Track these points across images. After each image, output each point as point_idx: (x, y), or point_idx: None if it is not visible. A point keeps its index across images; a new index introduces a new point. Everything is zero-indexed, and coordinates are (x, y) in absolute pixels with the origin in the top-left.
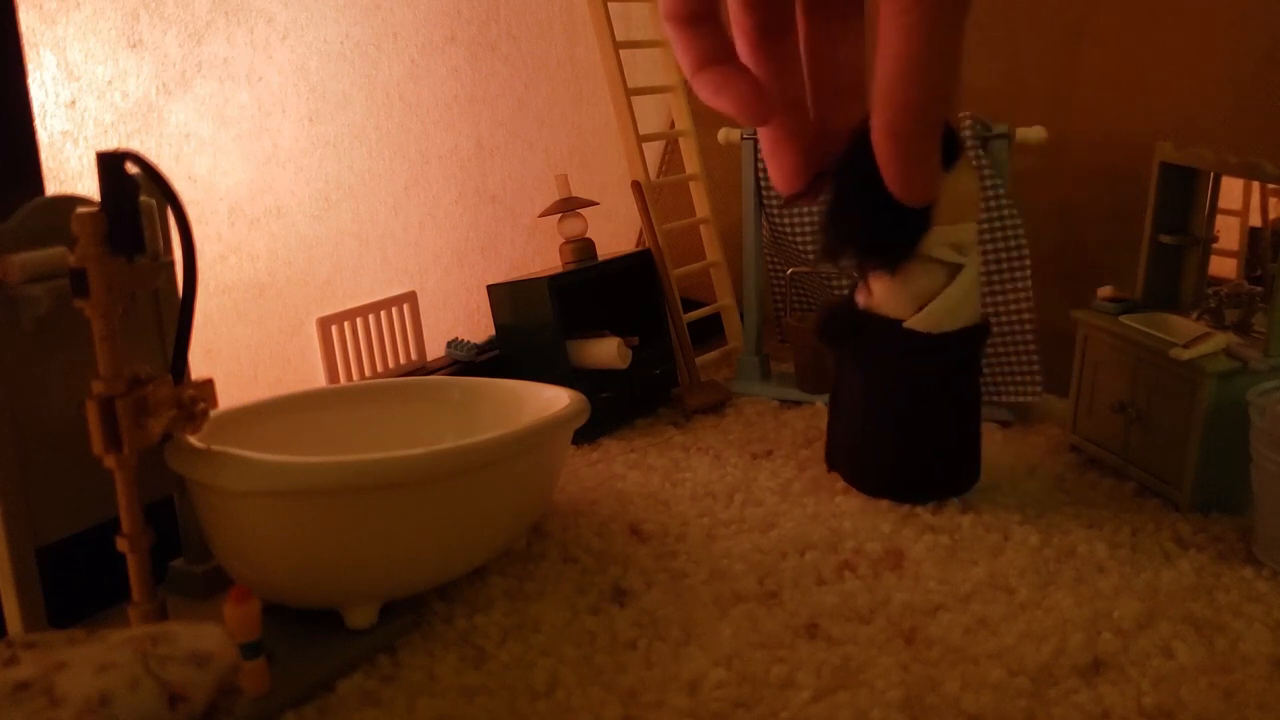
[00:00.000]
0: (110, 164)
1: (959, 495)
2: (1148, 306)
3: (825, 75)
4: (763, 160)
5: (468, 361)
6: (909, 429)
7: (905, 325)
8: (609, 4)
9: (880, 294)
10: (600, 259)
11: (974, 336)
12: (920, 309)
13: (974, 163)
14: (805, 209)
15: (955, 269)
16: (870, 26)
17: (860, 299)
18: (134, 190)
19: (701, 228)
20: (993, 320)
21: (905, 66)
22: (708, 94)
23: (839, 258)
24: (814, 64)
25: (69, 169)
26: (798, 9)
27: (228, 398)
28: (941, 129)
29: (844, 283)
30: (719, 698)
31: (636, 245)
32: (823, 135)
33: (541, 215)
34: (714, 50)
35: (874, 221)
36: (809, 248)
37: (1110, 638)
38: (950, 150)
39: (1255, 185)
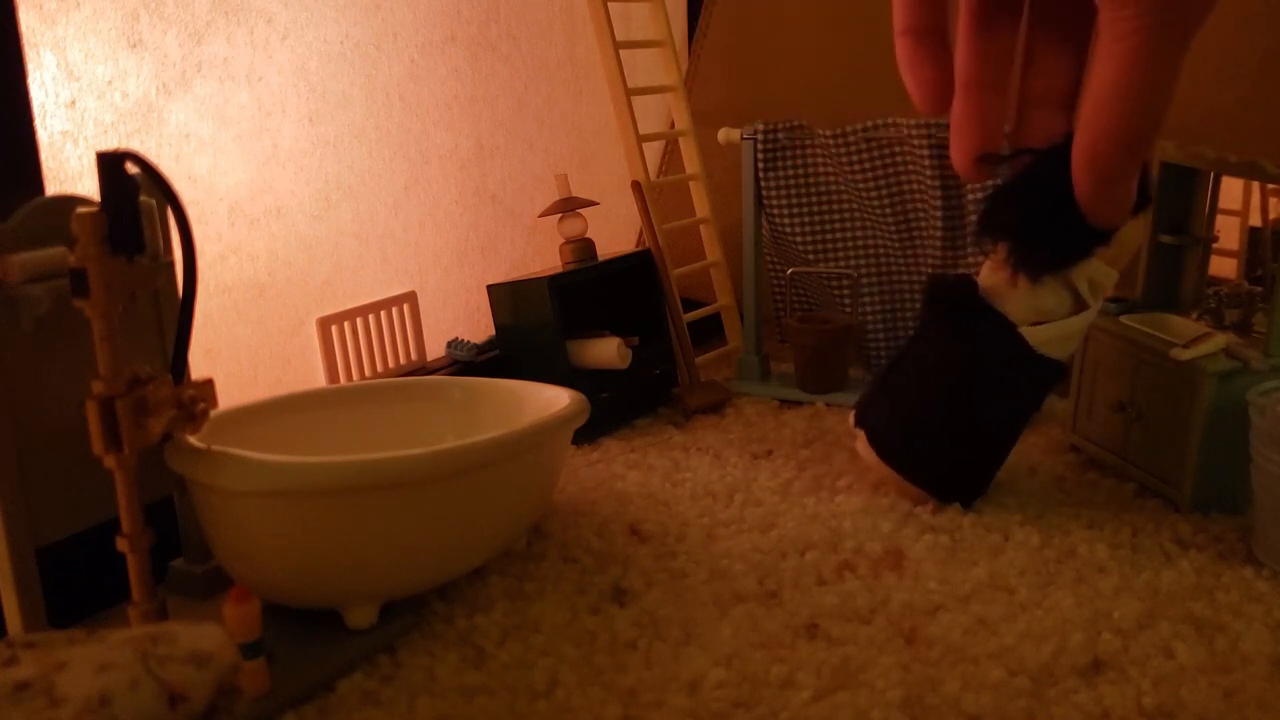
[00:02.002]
0: (110, 164)
1: (957, 503)
2: (1148, 306)
3: (1035, 84)
4: (762, 160)
5: (468, 361)
6: (964, 422)
7: (1021, 330)
8: (609, 4)
9: (1014, 292)
10: (600, 259)
11: (1058, 372)
12: (1035, 325)
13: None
14: (804, 210)
15: (1080, 305)
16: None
17: (983, 283)
18: (134, 190)
19: (701, 228)
20: None
21: (1116, 94)
22: (901, 60)
23: (996, 240)
24: (1028, 70)
25: (69, 169)
26: (1027, 8)
27: (228, 398)
28: (1143, 160)
29: (844, 284)
30: (719, 698)
31: (636, 245)
32: (1018, 136)
33: (541, 215)
34: (925, 17)
35: (1053, 223)
36: (809, 248)
37: (1110, 638)
38: (1142, 194)
39: (1255, 185)
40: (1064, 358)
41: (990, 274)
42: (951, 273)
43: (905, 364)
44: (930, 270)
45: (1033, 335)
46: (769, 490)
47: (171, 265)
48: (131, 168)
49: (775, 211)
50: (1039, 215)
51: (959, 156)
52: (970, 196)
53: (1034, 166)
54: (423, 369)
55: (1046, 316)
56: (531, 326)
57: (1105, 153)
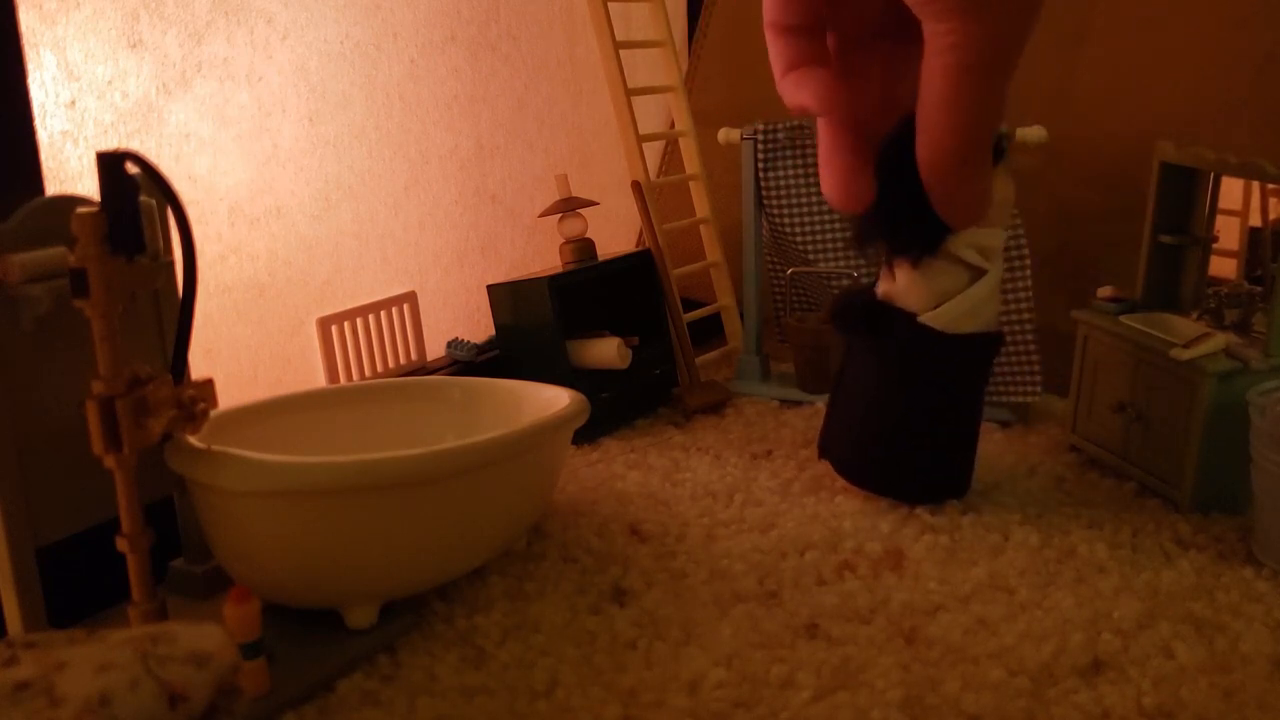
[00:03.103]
0: (110, 164)
1: (954, 502)
2: (1148, 306)
3: (892, 89)
4: (762, 160)
5: (468, 361)
6: (907, 424)
7: (921, 319)
8: (609, 4)
9: (903, 285)
10: (600, 259)
11: (987, 344)
12: (939, 307)
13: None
14: (804, 210)
15: (979, 273)
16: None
17: (880, 289)
18: (134, 190)
19: (701, 228)
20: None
21: (941, 109)
22: (790, 91)
23: (870, 243)
24: (886, 77)
25: (69, 169)
26: (878, 29)
27: (228, 398)
28: (983, 159)
29: (844, 283)
30: (719, 698)
31: (636, 245)
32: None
33: (541, 215)
34: (803, 57)
35: (906, 209)
36: (809, 248)
37: (1110, 638)
38: (994, 150)
39: (1255, 185)
40: (985, 328)
41: (883, 278)
42: (851, 288)
43: (843, 387)
44: None
45: (934, 318)
46: (769, 490)
47: (171, 265)
48: (131, 168)
49: (775, 211)
50: (894, 206)
51: (829, 185)
52: None
53: (878, 164)
54: (423, 369)
55: (948, 296)
56: (531, 326)
57: (943, 165)
